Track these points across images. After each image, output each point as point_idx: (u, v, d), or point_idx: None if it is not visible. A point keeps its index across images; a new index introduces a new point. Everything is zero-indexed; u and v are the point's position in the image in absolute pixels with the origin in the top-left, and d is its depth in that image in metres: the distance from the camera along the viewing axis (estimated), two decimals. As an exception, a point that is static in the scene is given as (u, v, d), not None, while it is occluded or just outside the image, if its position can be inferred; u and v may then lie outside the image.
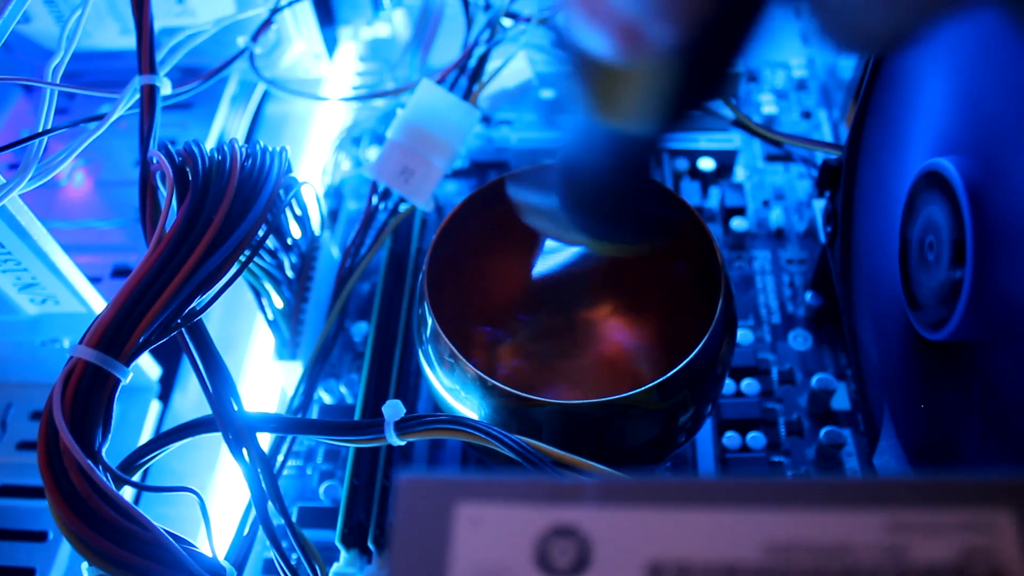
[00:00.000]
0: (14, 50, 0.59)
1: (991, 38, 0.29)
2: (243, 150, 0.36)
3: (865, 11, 0.19)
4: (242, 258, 0.36)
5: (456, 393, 0.36)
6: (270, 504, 0.35)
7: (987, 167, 0.29)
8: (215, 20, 0.49)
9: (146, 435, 0.48)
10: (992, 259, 0.28)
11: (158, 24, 0.51)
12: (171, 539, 0.31)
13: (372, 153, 0.57)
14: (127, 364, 0.32)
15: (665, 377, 0.33)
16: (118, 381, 0.32)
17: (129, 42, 0.58)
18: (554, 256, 0.41)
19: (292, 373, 0.45)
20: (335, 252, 0.49)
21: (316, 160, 0.58)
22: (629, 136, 0.26)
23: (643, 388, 0.33)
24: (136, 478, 0.36)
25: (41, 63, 0.41)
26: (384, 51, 0.64)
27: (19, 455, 0.49)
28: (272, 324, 0.44)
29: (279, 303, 0.44)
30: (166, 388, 0.50)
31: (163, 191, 0.38)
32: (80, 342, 0.31)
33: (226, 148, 0.36)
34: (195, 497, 0.36)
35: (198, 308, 0.34)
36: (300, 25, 0.56)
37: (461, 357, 0.34)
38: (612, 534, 0.18)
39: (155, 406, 0.50)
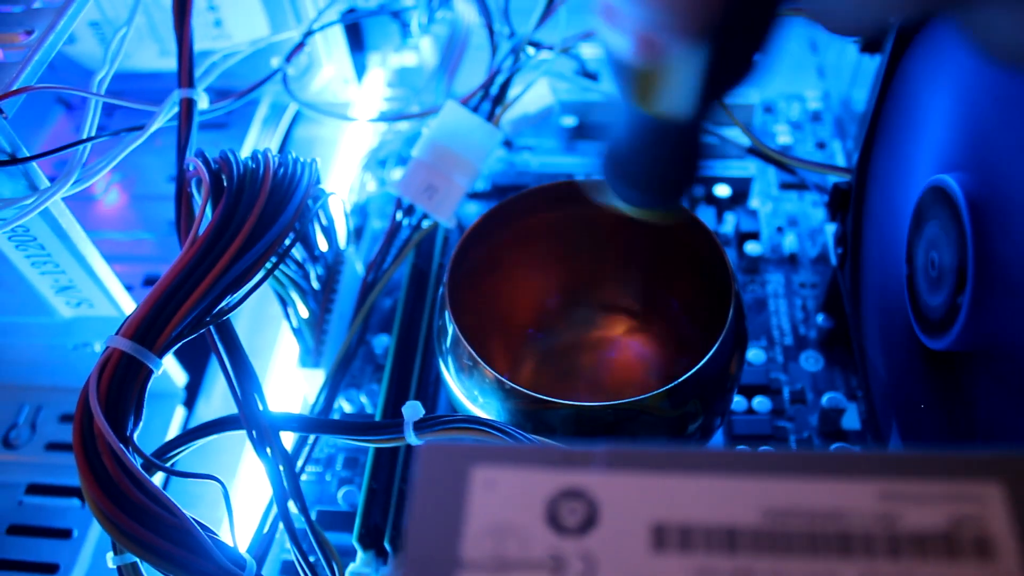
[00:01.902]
0: (58, 69, 0.61)
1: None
2: (275, 159, 0.38)
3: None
4: (270, 262, 0.37)
5: (474, 397, 0.37)
6: (291, 502, 0.37)
7: (987, 181, 0.30)
8: (250, 41, 0.51)
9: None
10: (993, 268, 0.29)
11: (195, 46, 0.53)
12: (198, 526, 0.32)
13: (397, 174, 0.59)
14: (160, 356, 0.33)
15: (675, 383, 0.34)
16: (150, 372, 0.33)
17: (167, 64, 0.61)
18: None
19: (314, 381, 0.47)
20: (359, 267, 0.50)
21: (343, 180, 0.60)
22: (665, 121, 0.28)
23: (654, 392, 0.34)
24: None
25: (83, 83, 0.43)
26: (411, 78, 0.66)
27: (48, 455, 0.50)
28: (297, 332, 0.46)
29: (304, 312, 0.46)
30: (191, 395, 0.52)
31: (197, 198, 0.40)
32: (116, 333, 0.33)
33: (260, 157, 0.37)
34: (219, 490, 0.37)
35: (227, 307, 0.36)
36: (331, 50, 0.58)
37: (480, 361, 0.35)
38: (619, 497, 0.19)
39: (180, 411, 0.51)
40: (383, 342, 0.50)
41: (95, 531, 0.47)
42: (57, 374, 0.52)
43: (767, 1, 0.23)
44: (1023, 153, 0.28)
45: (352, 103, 0.63)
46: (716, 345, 0.35)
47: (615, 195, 0.33)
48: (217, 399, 0.52)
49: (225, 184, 0.36)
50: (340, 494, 0.45)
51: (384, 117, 0.61)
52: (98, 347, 0.49)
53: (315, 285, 0.46)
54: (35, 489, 0.49)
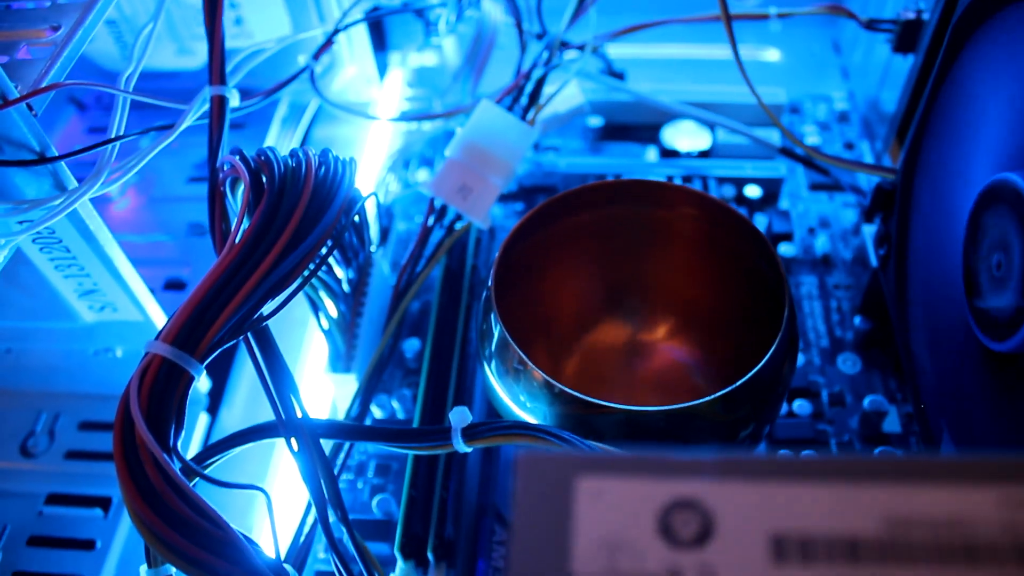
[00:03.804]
0: (74, 69, 0.60)
1: None
2: (316, 158, 0.37)
3: None
4: (310, 267, 0.36)
5: (521, 402, 0.36)
6: (330, 510, 0.36)
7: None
8: (276, 39, 0.50)
9: (195, 445, 0.48)
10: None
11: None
12: (242, 538, 0.31)
13: (422, 175, 0.58)
14: (201, 362, 0.32)
15: (731, 388, 0.33)
16: (191, 378, 0.32)
17: (185, 63, 0.59)
18: None
19: (343, 385, 0.45)
20: (386, 269, 0.49)
21: (366, 181, 0.59)
22: None
23: (709, 398, 0.33)
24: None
25: (100, 82, 0.41)
26: (431, 79, 0.65)
27: (67, 464, 0.49)
28: (328, 334, 0.45)
29: (334, 313, 0.45)
30: (214, 401, 0.51)
31: (230, 198, 0.39)
32: (156, 339, 0.32)
33: (300, 155, 0.36)
34: (250, 496, 0.36)
35: (266, 313, 0.35)
36: (354, 49, 0.57)
37: (529, 363, 0.34)
38: (734, 507, 0.18)
39: (203, 418, 0.50)
40: (413, 346, 0.49)
41: (119, 542, 0.46)
42: (76, 380, 0.50)
43: None
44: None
45: (373, 102, 0.62)
46: (772, 350, 0.34)
47: None
48: (239, 405, 0.51)
49: (265, 184, 0.35)
50: (374, 502, 0.44)
51: (409, 116, 0.60)
52: (120, 352, 0.48)
53: (346, 288, 0.45)
54: (55, 499, 0.47)
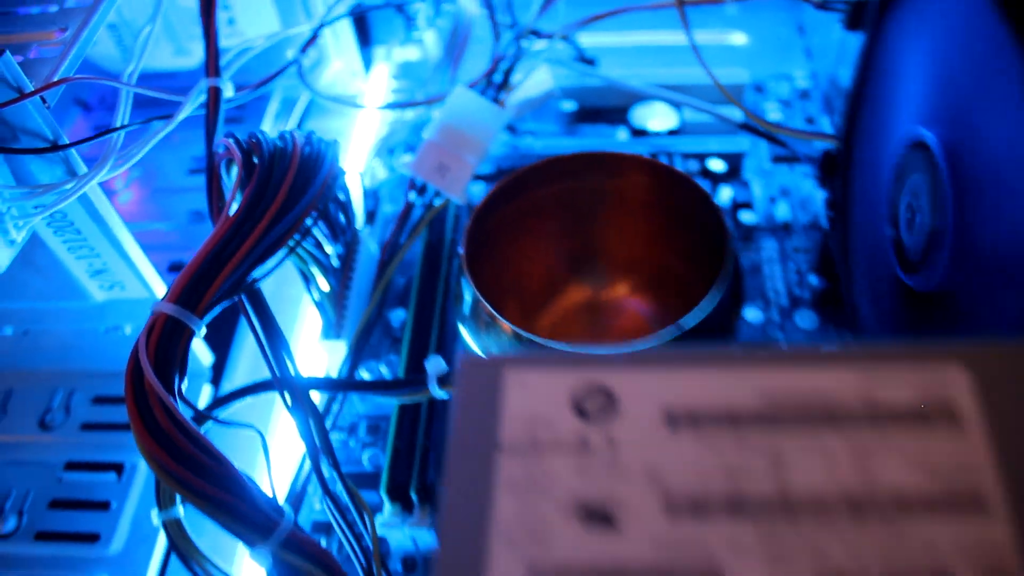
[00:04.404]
0: (80, 71, 0.64)
1: (962, 14, 0.33)
2: (302, 138, 0.41)
3: None
4: (297, 236, 0.40)
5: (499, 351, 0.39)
6: (323, 458, 0.39)
7: (959, 131, 0.33)
8: (266, 36, 0.54)
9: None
10: (969, 214, 0.32)
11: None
12: (242, 474, 0.35)
13: (407, 160, 0.62)
14: (201, 318, 0.36)
15: (679, 333, 0.37)
16: (192, 333, 0.36)
17: (182, 62, 0.63)
18: None
19: (336, 352, 0.49)
20: (374, 247, 0.53)
21: (355, 168, 0.63)
22: None
23: (660, 342, 0.37)
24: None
25: (100, 84, 0.45)
26: (415, 72, 0.69)
27: (83, 435, 0.52)
28: (319, 305, 0.48)
29: (325, 287, 0.48)
30: (217, 374, 0.55)
31: (225, 178, 0.43)
32: (162, 299, 0.36)
33: (287, 136, 0.40)
34: (252, 447, 0.39)
35: (260, 275, 0.39)
36: (340, 43, 0.61)
37: (497, 316, 0.38)
38: (634, 389, 0.21)
39: (207, 388, 0.54)
40: (400, 316, 0.53)
41: (132, 502, 0.49)
42: (89, 358, 0.54)
43: None
44: (989, 105, 0.31)
45: (360, 94, 0.65)
46: (717, 292, 0.37)
47: None
48: (240, 378, 0.55)
49: (256, 162, 0.39)
50: (365, 457, 0.48)
51: (393, 105, 0.63)
52: (128, 330, 0.52)
53: (335, 263, 0.49)
54: (73, 466, 0.51)
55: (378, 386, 0.39)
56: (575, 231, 0.47)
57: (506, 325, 0.38)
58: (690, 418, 0.21)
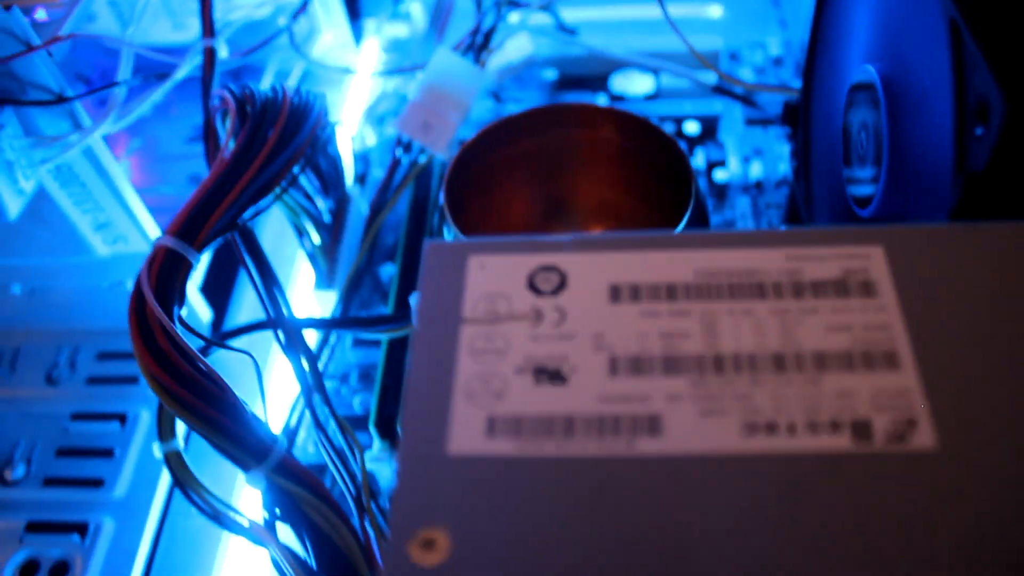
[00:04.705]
0: (79, 45, 0.67)
1: None
2: (291, 89, 0.43)
3: None
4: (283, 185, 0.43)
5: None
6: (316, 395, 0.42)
7: (898, 68, 0.35)
8: (256, 4, 0.56)
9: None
10: (903, 141, 0.35)
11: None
12: (239, 399, 0.37)
13: (392, 129, 0.64)
14: (198, 251, 0.38)
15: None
16: (191, 264, 0.38)
17: (180, 37, 0.66)
18: None
19: (328, 302, 0.52)
20: (364, 207, 0.56)
21: (346, 135, 0.65)
22: None
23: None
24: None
25: (102, 59, 0.47)
26: (403, 47, 0.71)
27: (88, 388, 0.55)
28: (311, 257, 0.51)
29: (316, 240, 0.51)
30: (214, 331, 0.57)
31: (220, 130, 0.45)
32: (163, 233, 0.38)
33: (278, 88, 0.43)
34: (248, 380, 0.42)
35: (253, 214, 0.41)
36: (330, 15, 0.64)
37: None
38: (583, 268, 0.24)
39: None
40: (389, 271, 0.55)
41: (135, 450, 0.52)
42: (92, 316, 0.57)
43: None
44: (917, 38, 0.34)
45: (351, 66, 0.68)
46: (681, 225, 0.40)
47: None
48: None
49: (249, 110, 0.42)
50: (356, 402, 0.50)
51: (382, 72, 0.66)
52: (131, 285, 0.54)
53: (326, 219, 0.52)
54: (78, 416, 0.54)
55: (366, 322, 0.41)
56: (549, 179, 0.49)
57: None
58: (631, 291, 0.23)
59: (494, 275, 0.24)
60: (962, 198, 0.27)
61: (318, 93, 0.45)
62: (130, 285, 0.54)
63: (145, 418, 0.52)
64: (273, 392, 0.53)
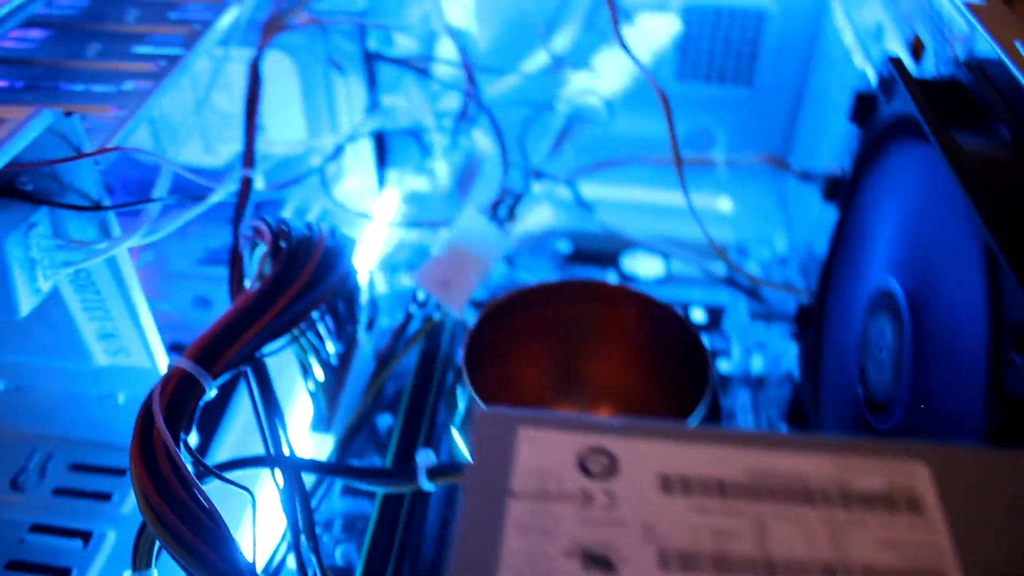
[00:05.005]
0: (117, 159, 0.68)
1: (920, 171, 0.37)
2: (327, 230, 0.44)
3: None
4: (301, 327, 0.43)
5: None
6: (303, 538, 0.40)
7: (922, 282, 0.36)
8: (294, 142, 0.58)
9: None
10: (926, 357, 0.35)
11: (236, 148, 0.60)
12: (230, 535, 0.35)
13: (406, 280, 0.65)
14: (214, 379, 0.38)
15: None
16: (204, 391, 0.37)
17: (209, 160, 0.67)
18: None
19: (322, 445, 0.51)
20: (369, 352, 0.55)
21: (365, 272, 0.66)
22: None
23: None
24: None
25: (125, 170, 0.48)
26: (422, 200, 0.73)
27: (54, 499, 0.52)
28: (313, 396, 0.50)
29: (320, 377, 0.50)
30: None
31: (247, 259, 0.45)
32: (181, 355, 0.38)
33: (314, 227, 0.43)
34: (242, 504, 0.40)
35: (270, 351, 0.41)
36: (359, 161, 0.66)
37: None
38: (633, 455, 0.24)
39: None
40: (386, 421, 0.55)
41: (95, 572, 0.49)
42: (73, 424, 0.55)
43: None
44: (949, 257, 0.35)
45: (370, 213, 0.69)
46: (694, 419, 0.40)
47: None
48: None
49: (283, 245, 0.42)
50: (338, 553, 0.49)
51: (403, 223, 0.67)
52: (122, 399, 0.53)
53: (333, 361, 0.51)
54: (38, 528, 0.51)
55: (368, 474, 0.40)
56: (567, 350, 0.49)
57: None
58: (683, 483, 0.23)
59: (544, 451, 0.24)
60: (1000, 423, 0.28)
61: (350, 238, 0.45)
62: (122, 399, 0.53)
63: (111, 539, 0.50)
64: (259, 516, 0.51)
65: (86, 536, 0.50)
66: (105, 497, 0.52)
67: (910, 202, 0.39)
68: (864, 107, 0.43)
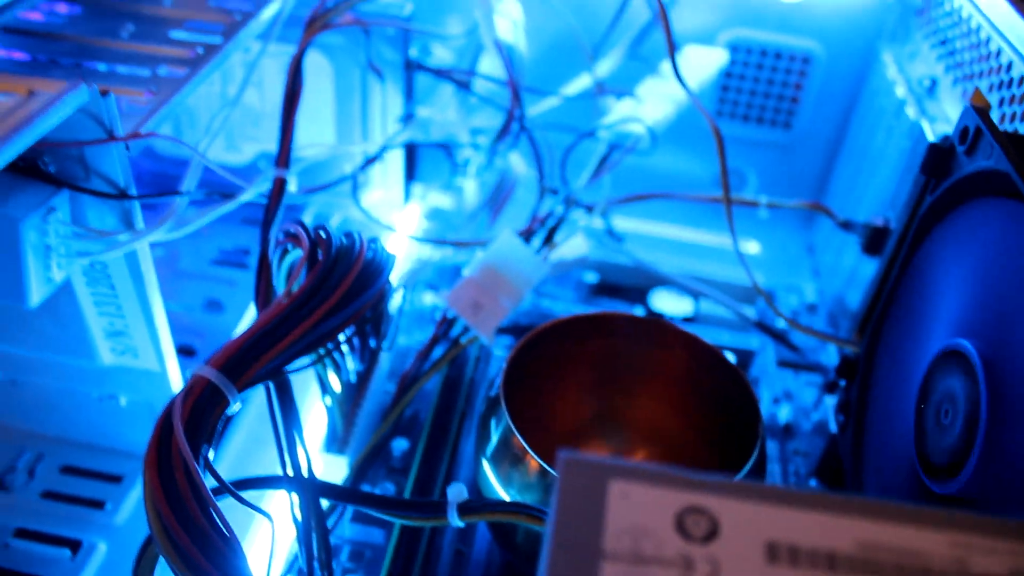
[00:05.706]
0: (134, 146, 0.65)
1: (1006, 229, 0.35)
2: (368, 242, 0.41)
3: None
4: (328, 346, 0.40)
5: (514, 494, 0.39)
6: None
7: (999, 345, 0.34)
8: (329, 146, 0.56)
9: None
10: (1002, 424, 0.33)
11: (260, 147, 0.58)
12: (245, 560, 0.33)
13: (427, 298, 0.63)
14: (240, 391, 0.35)
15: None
16: (228, 404, 0.35)
17: (231, 158, 0.65)
18: None
19: (334, 467, 0.48)
20: (385, 369, 0.53)
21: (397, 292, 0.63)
22: None
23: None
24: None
25: (142, 161, 0.45)
26: (444, 218, 0.71)
27: (42, 503, 0.49)
28: (329, 411, 0.48)
29: (338, 390, 0.48)
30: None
31: (275, 267, 0.43)
32: (206, 363, 0.35)
33: (354, 236, 0.41)
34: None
35: (300, 366, 0.38)
36: (387, 173, 0.63)
37: (530, 450, 0.38)
38: (736, 517, 0.21)
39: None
40: (401, 445, 0.52)
41: (81, 584, 0.46)
42: (70, 424, 0.52)
43: None
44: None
45: (392, 225, 0.67)
46: (748, 464, 0.38)
47: None
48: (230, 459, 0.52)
49: (320, 255, 0.39)
50: (343, 582, 0.46)
51: (430, 240, 0.65)
52: (124, 401, 0.50)
53: (352, 379, 0.48)
54: (24, 534, 0.48)
55: (393, 505, 0.38)
56: (606, 389, 0.47)
57: (535, 461, 0.38)
58: (790, 553, 0.21)
59: (638, 507, 0.21)
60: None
61: (391, 254, 0.43)
62: (123, 402, 0.50)
63: (102, 551, 0.47)
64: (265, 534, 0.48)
65: (75, 545, 0.47)
66: (98, 505, 0.49)
67: (988, 260, 0.37)
68: (940, 159, 0.41)
